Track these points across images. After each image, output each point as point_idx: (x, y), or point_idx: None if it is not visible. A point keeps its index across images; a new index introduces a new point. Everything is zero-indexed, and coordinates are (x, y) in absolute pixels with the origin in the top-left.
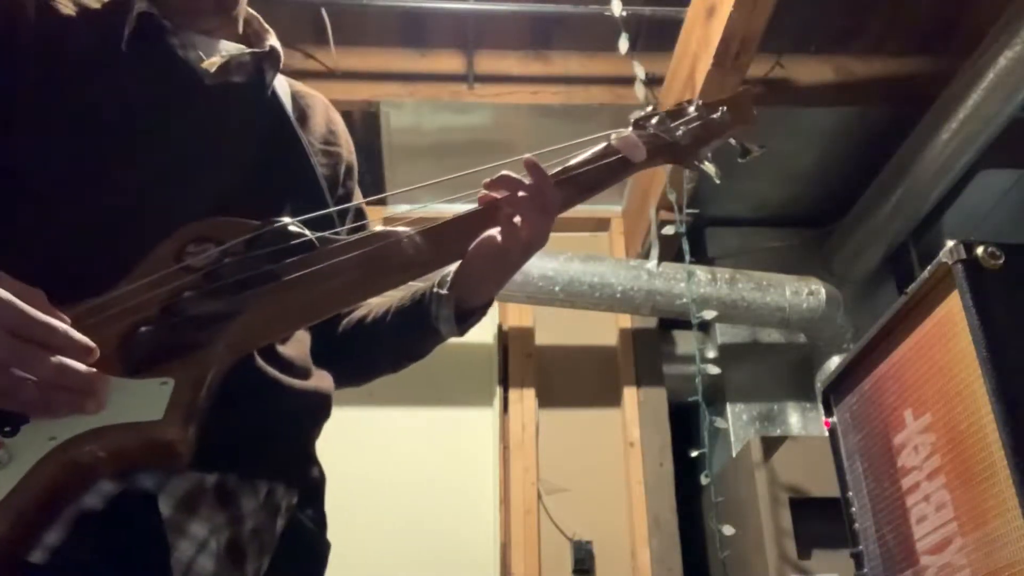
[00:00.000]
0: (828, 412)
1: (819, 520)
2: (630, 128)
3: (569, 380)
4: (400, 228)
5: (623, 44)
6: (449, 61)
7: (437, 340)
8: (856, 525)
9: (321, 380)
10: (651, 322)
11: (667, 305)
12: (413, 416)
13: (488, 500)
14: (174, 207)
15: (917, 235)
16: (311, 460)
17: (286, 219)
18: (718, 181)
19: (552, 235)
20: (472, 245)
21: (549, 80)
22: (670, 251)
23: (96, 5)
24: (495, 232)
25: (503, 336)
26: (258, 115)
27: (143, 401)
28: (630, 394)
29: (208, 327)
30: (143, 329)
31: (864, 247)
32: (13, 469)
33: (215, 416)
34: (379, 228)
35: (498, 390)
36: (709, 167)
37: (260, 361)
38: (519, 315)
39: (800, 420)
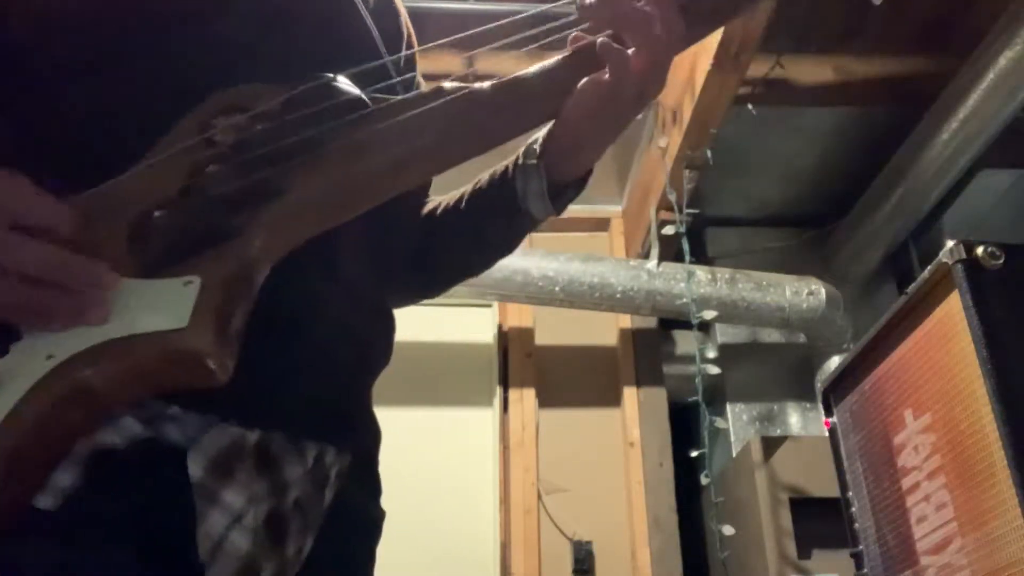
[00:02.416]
0: (828, 412)
1: (819, 520)
2: None
3: (569, 380)
4: (475, 84)
5: None
6: (449, 61)
7: (527, 225)
8: (856, 525)
9: (388, 318)
10: (651, 322)
11: (667, 305)
12: (413, 416)
13: (488, 500)
14: (202, 81)
15: (917, 235)
16: (368, 415)
17: (329, 74)
18: (877, 2)
19: (552, 235)
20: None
21: None
22: (670, 251)
23: None
24: (599, 76)
25: (503, 336)
26: None
27: (163, 306)
28: (630, 394)
29: (242, 210)
30: (158, 215)
31: (864, 247)
32: (3, 397)
33: (260, 354)
34: (447, 83)
35: (498, 390)
36: None
37: (322, 283)
38: (519, 315)
39: (800, 420)
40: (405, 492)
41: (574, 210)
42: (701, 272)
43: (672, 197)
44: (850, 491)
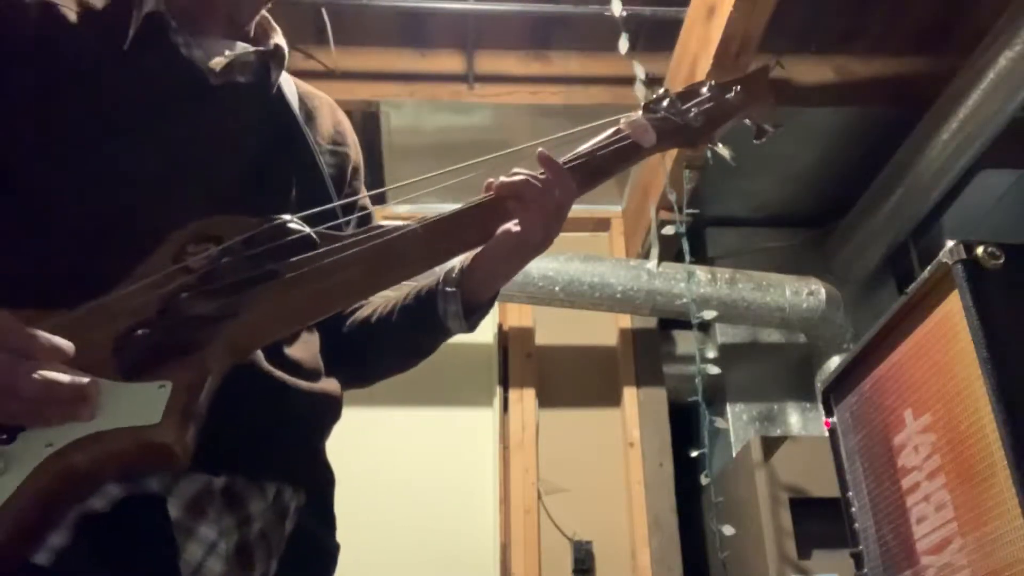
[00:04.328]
0: (828, 412)
1: (819, 520)
2: (640, 112)
3: (569, 380)
4: (403, 222)
5: (623, 44)
6: (449, 61)
7: (446, 337)
8: (856, 525)
9: (329, 383)
10: (651, 322)
11: (667, 305)
12: (413, 416)
13: (488, 500)
14: (177, 209)
15: (917, 235)
16: (320, 461)
17: (285, 216)
18: (733, 164)
19: None
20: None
21: (549, 80)
22: (670, 251)
23: (100, 5)
24: (504, 226)
25: (503, 336)
26: (264, 115)
27: (140, 405)
28: (630, 394)
29: (206, 328)
30: (140, 332)
31: (864, 247)
32: (10, 477)
33: (221, 418)
34: (381, 222)
35: (498, 390)
36: (723, 150)
37: (267, 364)
38: (519, 315)
39: (800, 420)
40: (405, 492)
41: (574, 210)
42: (701, 272)
43: (672, 197)
44: (850, 491)
